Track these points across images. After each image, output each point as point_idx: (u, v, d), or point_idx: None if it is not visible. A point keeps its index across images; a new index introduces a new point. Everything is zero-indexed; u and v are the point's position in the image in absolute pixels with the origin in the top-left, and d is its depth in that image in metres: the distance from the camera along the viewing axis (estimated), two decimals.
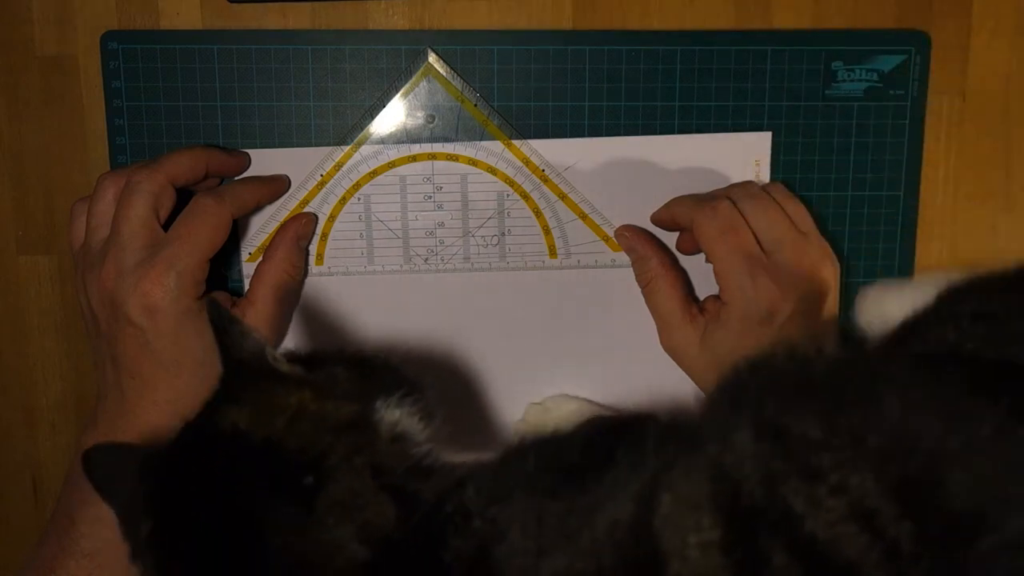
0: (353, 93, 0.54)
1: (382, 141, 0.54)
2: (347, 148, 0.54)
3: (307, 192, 0.54)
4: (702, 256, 0.52)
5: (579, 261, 0.56)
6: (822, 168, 0.56)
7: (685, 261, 0.55)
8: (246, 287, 0.53)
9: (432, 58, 0.54)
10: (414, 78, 0.54)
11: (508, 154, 0.55)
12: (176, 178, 0.50)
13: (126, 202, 0.47)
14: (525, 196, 0.55)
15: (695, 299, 0.53)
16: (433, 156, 0.55)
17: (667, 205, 0.54)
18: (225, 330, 0.36)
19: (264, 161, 0.54)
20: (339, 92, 0.54)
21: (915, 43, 0.55)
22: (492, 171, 0.55)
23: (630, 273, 0.55)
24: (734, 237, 0.48)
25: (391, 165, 0.55)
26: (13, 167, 0.56)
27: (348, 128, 0.54)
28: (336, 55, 0.54)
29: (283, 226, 0.54)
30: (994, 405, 0.28)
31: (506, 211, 0.55)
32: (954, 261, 0.58)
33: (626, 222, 0.55)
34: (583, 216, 0.55)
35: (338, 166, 0.54)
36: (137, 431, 0.46)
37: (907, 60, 0.55)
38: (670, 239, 0.55)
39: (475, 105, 0.54)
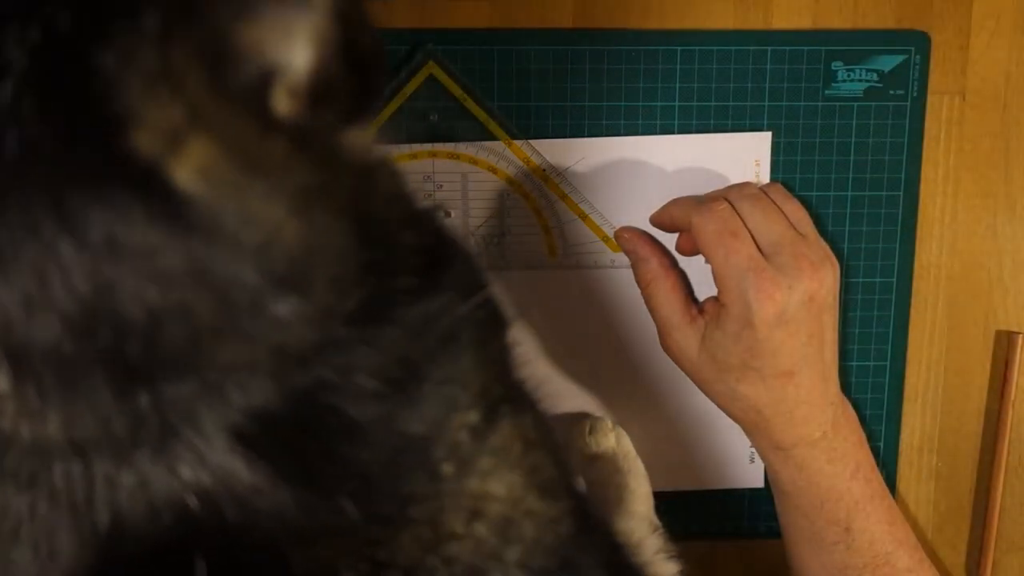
0: None
1: (382, 140, 0.54)
2: None
3: None
4: (702, 256, 0.52)
5: (579, 261, 0.56)
6: (822, 168, 0.56)
7: (685, 262, 0.55)
8: None
9: (433, 58, 0.54)
10: (414, 78, 0.54)
11: (509, 153, 0.55)
12: None
13: None
14: (525, 196, 0.55)
15: (695, 300, 0.53)
16: (434, 155, 0.55)
17: (665, 207, 0.54)
18: None
19: None
20: None
21: (915, 43, 0.55)
22: (493, 170, 0.55)
23: (630, 273, 0.55)
24: (732, 240, 0.48)
25: None
26: None
27: None
28: None
29: None
30: None
31: (506, 210, 0.55)
32: (954, 261, 0.58)
33: (626, 222, 0.55)
34: (583, 216, 0.56)
35: None
36: None
37: (907, 60, 0.55)
38: (670, 240, 0.55)
39: (476, 104, 0.54)
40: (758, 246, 0.48)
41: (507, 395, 0.33)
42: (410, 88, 0.54)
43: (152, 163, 0.22)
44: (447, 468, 0.30)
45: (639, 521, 0.52)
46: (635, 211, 0.55)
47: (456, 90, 0.54)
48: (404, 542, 0.29)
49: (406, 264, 0.30)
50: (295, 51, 0.23)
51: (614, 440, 0.56)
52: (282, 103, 0.24)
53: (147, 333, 0.23)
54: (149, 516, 0.26)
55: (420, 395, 0.29)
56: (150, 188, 0.22)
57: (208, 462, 0.26)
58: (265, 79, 0.23)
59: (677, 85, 0.55)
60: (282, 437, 0.27)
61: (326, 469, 0.28)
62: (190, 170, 0.22)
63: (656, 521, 0.53)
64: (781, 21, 0.55)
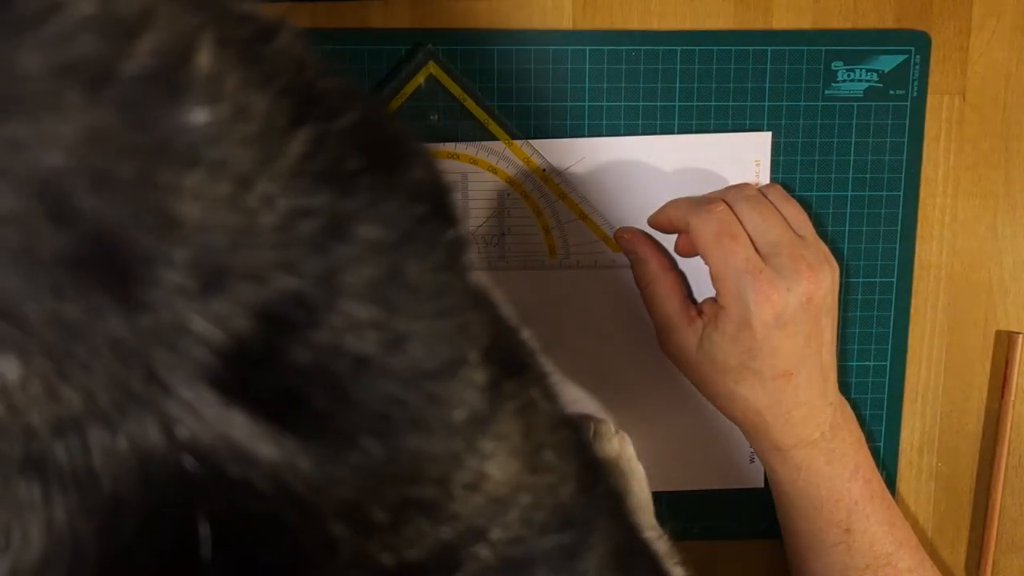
0: None
1: None
2: None
3: None
4: (701, 257, 0.52)
5: (579, 261, 0.56)
6: (822, 168, 0.56)
7: (684, 263, 0.55)
8: None
9: (433, 58, 0.54)
10: (414, 78, 0.54)
11: (509, 153, 0.55)
12: None
13: None
14: (525, 196, 0.55)
15: (694, 301, 0.53)
16: (434, 155, 0.55)
17: (663, 208, 0.54)
18: None
19: None
20: None
21: (915, 43, 0.55)
22: (493, 170, 0.55)
23: (630, 274, 0.55)
24: (730, 242, 0.48)
25: None
26: None
27: None
28: (336, 55, 0.54)
29: None
30: None
31: (506, 210, 0.56)
32: (954, 261, 0.58)
33: (626, 222, 0.55)
34: (583, 216, 0.56)
35: None
36: None
37: (907, 60, 0.55)
38: (670, 240, 0.55)
39: (476, 104, 0.54)
40: (756, 248, 0.48)
41: (512, 366, 0.31)
42: (410, 88, 0.54)
43: None
44: (459, 414, 0.27)
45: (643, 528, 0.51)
46: (635, 211, 0.55)
47: (456, 90, 0.54)
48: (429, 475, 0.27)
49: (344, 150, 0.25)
50: None
51: (617, 445, 0.56)
52: None
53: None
54: (143, 483, 0.24)
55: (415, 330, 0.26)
56: None
57: (203, 419, 0.23)
58: None
59: (677, 85, 0.55)
60: (274, 384, 0.24)
61: (337, 413, 0.25)
62: None
63: (659, 528, 0.53)
64: (781, 21, 0.55)
